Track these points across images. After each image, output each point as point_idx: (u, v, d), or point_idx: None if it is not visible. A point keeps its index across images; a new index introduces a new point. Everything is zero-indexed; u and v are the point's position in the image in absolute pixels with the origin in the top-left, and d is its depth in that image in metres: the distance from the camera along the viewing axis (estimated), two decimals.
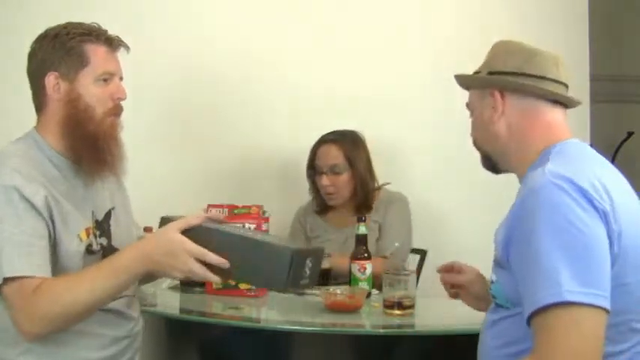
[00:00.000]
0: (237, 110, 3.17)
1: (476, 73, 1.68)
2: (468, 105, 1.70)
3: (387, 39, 3.29)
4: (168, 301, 2.39)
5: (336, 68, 3.23)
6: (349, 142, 2.88)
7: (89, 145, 1.79)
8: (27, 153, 1.77)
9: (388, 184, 2.94)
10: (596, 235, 1.37)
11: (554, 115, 1.60)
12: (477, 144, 1.70)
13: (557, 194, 1.39)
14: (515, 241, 1.43)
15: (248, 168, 3.18)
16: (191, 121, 3.13)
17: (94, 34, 1.83)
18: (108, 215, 1.90)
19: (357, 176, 2.86)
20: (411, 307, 2.25)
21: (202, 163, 3.16)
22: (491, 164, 1.68)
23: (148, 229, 2.59)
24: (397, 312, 2.23)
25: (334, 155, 2.86)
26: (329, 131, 2.91)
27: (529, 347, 1.40)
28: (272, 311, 2.35)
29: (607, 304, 1.34)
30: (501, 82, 1.61)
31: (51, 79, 1.79)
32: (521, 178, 1.58)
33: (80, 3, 2.84)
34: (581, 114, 3.14)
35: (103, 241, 1.86)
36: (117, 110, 1.85)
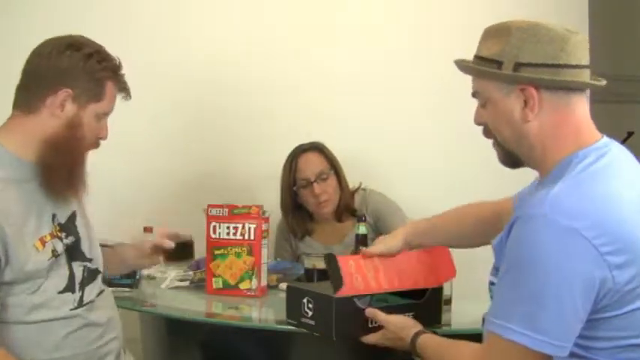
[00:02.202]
0: (239, 111, 3.17)
1: (484, 59, 1.50)
2: (476, 94, 1.55)
3: (383, 41, 3.30)
4: (168, 301, 2.39)
5: (337, 70, 3.24)
6: (323, 147, 2.85)
7: (66, 170, 1.80)
8: None
9: (360, 186, 2.91)
10: (570, 283, 1.34)
11: (583, 106, 1.51)
12: (499, 141, 1.54)
13: (546, 233, 1.35)
14: (504, 258, 1.45)
15: (248, 168, 3.18)
16: (192, 121, 3.13)
17: (120, 76, 1.87)
18: (72, 217, 1.89)
19: (341, 178, 2.84)
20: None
21: (203, 163, 3.16)
22: (514, 161, 1.55)
23: (147, 229, 2.60)
24: None
25: (317, 162, 2.82)
26: (296, 145, 2.86)
27: None
28: (272, 311, 2.35)
29: (553, 351, 1.36)
30: (539, 79, 1.45)
31: (62, 95, 1.78)
32: (542, 178, 1.51)
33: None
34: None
35: (70, 240, 1.86)
36: (96, 146, 1.90)
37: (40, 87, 1.79)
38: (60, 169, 1.79)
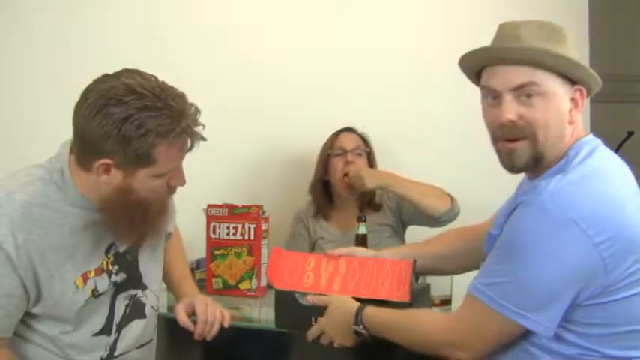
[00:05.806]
0: (239, 110, 3.16)
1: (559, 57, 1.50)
2: (527, 87, 1.49)
3: (386, 36, 3.29)
4: (168, 301, 2.39)
5: (339, 67, 3.23)
6: (367, 137, 2.98)
7: (127, 223, 1.61)
8: (40, 188, 1.58)
9: None
10: (559, 273, 1.39)
11: None
12: (532, 141, 1.50)
13: (541, 222, 1.40)
14: (501, 235, 1.51)
15: (248, 168, 3.18)
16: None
17: (175, 132, 1.53)
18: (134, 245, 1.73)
19: (371, 165, 2.92)
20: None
21: (203, 163, 3.15)
22: (536, 163, 1.52)
23: None
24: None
25: (357, 141, 2.93)
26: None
27: (531, 338, 1.47)
28: (272, 311, 2.35)
29: (535, 327, 1.42)
30: (595, 80, 1.53)
31: (102, 167, 1.54)
32: (540, 173, 1.53)
33: None
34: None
35: (120, 277, 1.70)
36: (172, 194, 1.67)
37: (82, 149, 1.56)
38: (122, 221, 1.61)
